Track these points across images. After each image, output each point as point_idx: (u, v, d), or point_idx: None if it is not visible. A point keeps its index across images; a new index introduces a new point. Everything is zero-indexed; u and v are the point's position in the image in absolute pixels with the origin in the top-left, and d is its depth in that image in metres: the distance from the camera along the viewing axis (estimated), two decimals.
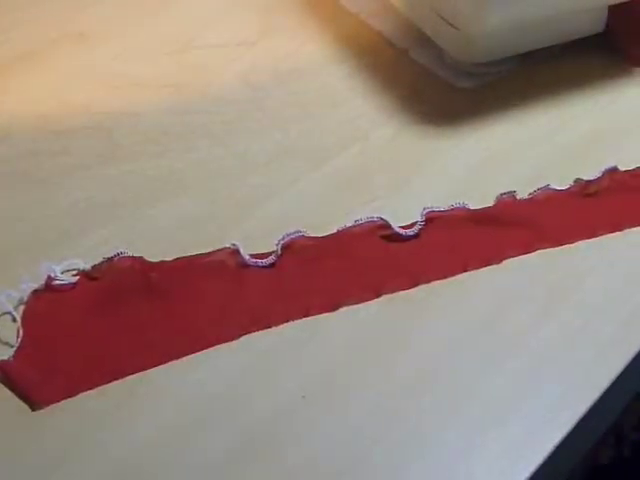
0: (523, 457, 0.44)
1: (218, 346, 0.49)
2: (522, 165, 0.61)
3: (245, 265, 0.53)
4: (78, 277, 0.52)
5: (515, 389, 0.47)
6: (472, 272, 0.53)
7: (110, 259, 0.52)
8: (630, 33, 0.68)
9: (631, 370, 0.49)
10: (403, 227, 0.55)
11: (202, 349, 0.49)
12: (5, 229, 0.56)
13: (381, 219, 0.55)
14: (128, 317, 0.50)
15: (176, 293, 0.52)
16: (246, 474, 0.44)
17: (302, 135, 0.63)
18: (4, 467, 0.44)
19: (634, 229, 0.56)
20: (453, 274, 0.53)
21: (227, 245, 0.53)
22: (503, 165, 0.61)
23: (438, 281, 0.53)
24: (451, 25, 0.64)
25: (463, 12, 0.63)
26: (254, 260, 0.53)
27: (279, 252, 0.53)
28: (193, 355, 0.49)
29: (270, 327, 0.50)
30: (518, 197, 0.57)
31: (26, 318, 0.50)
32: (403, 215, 0.56)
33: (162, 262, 0.53)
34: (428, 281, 0.53)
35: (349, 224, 0.55)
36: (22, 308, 0.51)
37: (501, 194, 0.57)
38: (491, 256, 0.54)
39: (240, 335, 0.50)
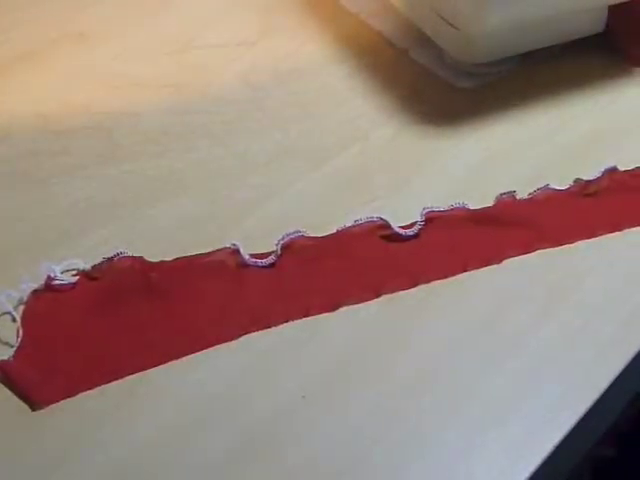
0: (523, 457, 0.44)
1: (218, 346, 0.49)
2: (522, 165, 0.61)
3: (245, 265, 0.53)
4: (78, 277, 0.52)
5: (515, 389, 0.47)
6: (472, 272, 0.53)
7: (110, 259, 0.52)
8: (630, 33, 0.68)
9: (631, 370, 0.49)
10: (403, 227, 0.55)
11: (202, 349, 0.49)
12: (5, 229, 0.56)
13: (381, 219, 0.55)
14: (128, 317, 0.51)
15: (176, 293, 0.52)
16: (246, 474, 0.44)
17: (302, 135, 0.63)
18: (4, 467, 0.44)
19: (634, 229, 0.56)
20: (453, 274, 0.53)
21: (227, 245, 0.53)
22: (503, 165, 0.61)
23: (438, 281, 0.53)
24: (451, 25, 0.64)
25: (463, 12, 0.63)
26: (254, 260, 0.53)
27: (279, 252, 0.53)
28: (193, 355, 0.49)
29: (270, 327, 0.50)
30: (518, 197, 0.57)
31: (26, 318, 0.50)
32: (403, 215, 0.56)
33: (162, 262, 0.53)
34: (428, 281, 0.53)
35: (349, 224, 0.55)
36: (22, 308, 0.51)
37: (501, 194, 0.57)
38: (491, 256, 0.54)
39: (240, 335, 0.50)
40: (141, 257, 0.53)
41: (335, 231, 0.55)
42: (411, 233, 0.55)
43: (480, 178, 0.60)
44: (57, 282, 0.52)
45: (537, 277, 0.53)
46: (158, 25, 0.74)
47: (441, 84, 0.68)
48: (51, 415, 0.46)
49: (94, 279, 0.52)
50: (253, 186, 0.59)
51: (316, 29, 0.74)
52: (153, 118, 0.65)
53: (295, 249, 0.54)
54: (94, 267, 0.53)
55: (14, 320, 0.50)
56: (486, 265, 0.54)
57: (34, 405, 0.46)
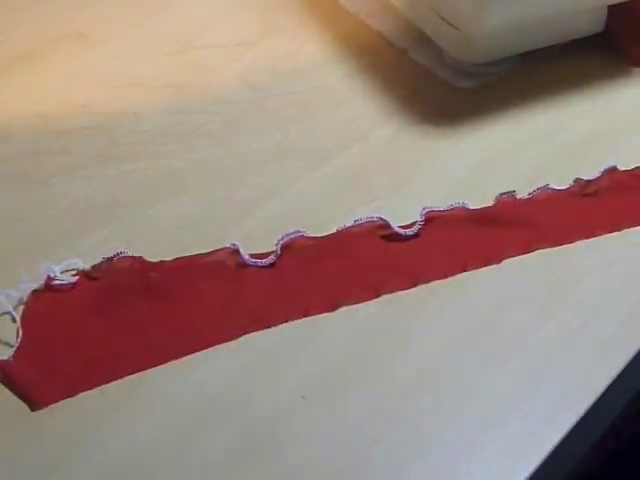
0: (523, 457, 0.44)
1: (218, 346, 0.49)
2: (522, 165, 0.61)
3: (245, 265, 0.53)
4: (78, 277, 0.52)
5: (515, 389, 0.47)
6: (471, 272, 0.53)
7: (110, 259, 0.52)
8: (629, 33, 0.69)
9: (630, 370, 0.49)
10: (403, 227, 0.55)
11: (202, 349, 0.49)
12: (5, 229, 0.56)
13: (381, 219, 0.55)
14: (128, 317, 0.51)
15: (176, 293, 0.52)
16: (246, 474, 0.44)
17: (302, 135, 0.63)
18: (4, 467, 0.44)
19: (633, 229, 0.56)
20: (452, 274, 0.53)
21: (227, 245, 0.53)
22: (503, 165, 0.61)
23: (438, 281, 0.53)
24: (451, 25, 0.64)
25: (463, 12, 0.63)
26: (254, 260, 0.53)
27: (279, 252, 0.53)
28: (193, 355, 0.49)
29: (270, 327, 0.50)
30: (518, 197, 0.57)
31: (26, 318, 0.50)
32: (403, 215, 0.56)
33: (162, 262, 0.53)
34: (428, 281, 0.53)
35: (349, 224, 0.55)
36: (22, 308, 0.51)
37: (501, 194, 0.57)
38: (490, 256, 0.54)
39: (240, 335, 0.50)
40: (141, 257, 0.53)
41: (335, 231, 0.55)
42: (411, 233, 0.55)
43: (480, 178, 0.60)
44: (57, 282, 0.52)
45: (536, 277, 0.53)
46: (158, 25, 0.74)
47: (441, 84, 0.68)
48: (51, 415, 0.46)
49: (94, 279, 0.52)
50: (253, 186, 0.59)
51: (316, 29, 0.74)
52: (153, 118, 0.65)
53: (295, 249, 0.54)
54: (94, 267, 0.53)
55: (14, 320, 0.50)
56: (486, 265, 0.54)
57: (34, 405, 0.46)
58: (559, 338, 0.50)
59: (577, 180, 0.59)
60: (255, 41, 0.72)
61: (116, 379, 0.47)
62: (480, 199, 0.57)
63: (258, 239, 0.55)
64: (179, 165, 0.61)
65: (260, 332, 0.50)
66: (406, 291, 0.52)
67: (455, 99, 0.66)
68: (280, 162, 0.61)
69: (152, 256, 0.53)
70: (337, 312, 0.51)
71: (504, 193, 0.57)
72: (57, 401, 0.46)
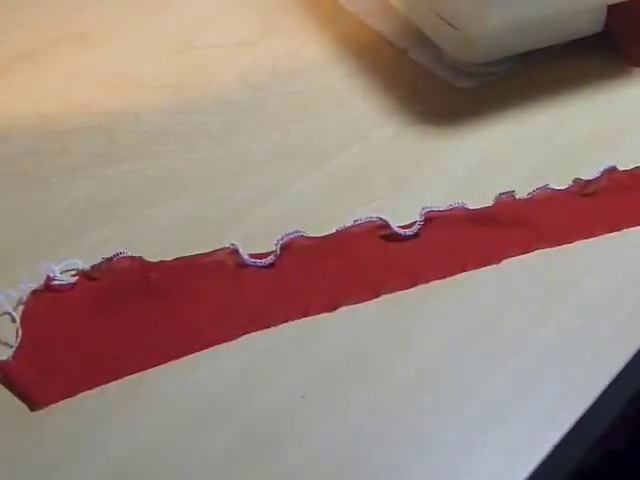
0: (523, 457, 0.44)
1: (218, 346, 0.49)
2: (521, 165, 0.61)
3: (244, 265, 0.53)
4: (77, 277, 0.52)
5: (515, 389, 0.47)
6: (471, 272, 0.53)
7: (109, 259, 0.52)
8: (629, 33, 0.69)
9: (630, 370, 0.49)
10: (402, 227, 0.55)
11: (202, 349, 0.49)
12: (5, 229, 0.56)
13: (380, 219, 0.55)
14: (127, 317, 0.51)
15: (175, 293, 0.52)
16: (246, 474, 0.44)
17: (302, 135, 0.63)
18: (4, 467, 0.44)
19: (632, 229, 0.56)
20: (452, 274, 0.53)
21: (227, 245, 0.53)
22: (502, 165, 0.61)
23: (437, 281, 0.53)
24: (451, 25, 0.64)
25: (463, 12, 0.63)
26: (253, 260, 0.53)
27: (278, 252, 0.53)
28: (193, 355, 0.49)
29: (269, 327, 0.50)
30: (517, 197, 0.57)
31: (25, 318, 0.50)
32: (403, 215, 0.56)
33: (161, 262, 0.53)
34: (427, 281, 0.53)
35: (348, 224, 0.55)
36: (21, 308, 0.51)
37: (500, 194, 0.57)
38: (490, 256, 0.54)
39: (240, 335, 0.50)
40: (141, 257, 0.53)
41: (335, 231, 0.55)
42: (410, 233, 0.55)
43: (480, 178, 0.60)
44: (56, 282, 0.52)
45: (536, 277, 0.53)
46: (158, 25, 0.74)
47: (441, 84, 0.68)
48: (51, 415, 0.46)
49: (93, 279, 0.52)
50: (253, 186, 0.59)
51: (316, 29, 0.74)
52: (153, 118, 0.65)
53: (295, 249, 0.54)
54: (93, 267, 0.53)
55: (13, 320, 0.50)
56: (485, 265, 0.54)
57: (34, 405, 0.46)
58: (559, 338, 0.50)
59: (577, 180, 0.59)
60: (255, 41, 0.72)
61: (116, 379, 0.47)
62: (480, 199, 0.57)
63: (258, 239, 0.55)
64: (179, 165, 0.61)
65: (260, 332, 0.50)
66: (406, 291, 0.52)
67: (455, 99, 0.66)
68: (280, 162, 0.61)
69: (152, 256, 0.53)
70: (337, 312, 0.51)
71: (504, 193, 0.57)
72: (57, 401, 0.47)
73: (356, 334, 0.50)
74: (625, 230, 0.56)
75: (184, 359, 0.49)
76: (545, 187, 0.58)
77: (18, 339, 0.49)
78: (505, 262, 0.54)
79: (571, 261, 0.54)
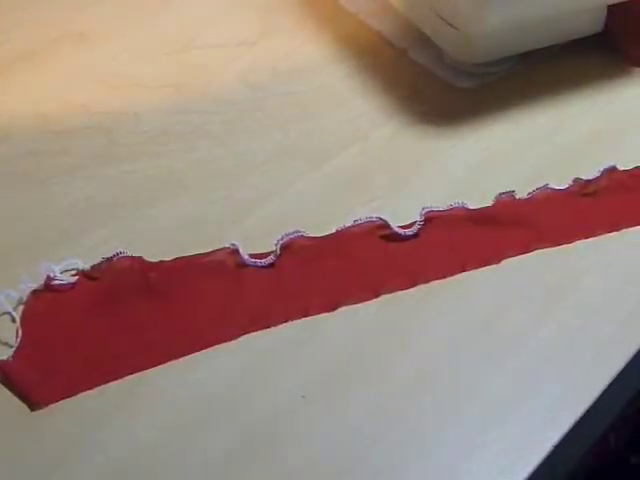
0: (522, 457, 0.44)
1: (218, 346, 0.49)
2: (521, 165, 0.61)
3: (244, 265, 0.53)
4: (77, 277, 0.52)
5: (515, 389, 0.47)
6: (471, 272, 0.53)
7: (109, 259, 0.52)
8: (629, 33, 0.69)
9: (630, 370, 0.49)
10: (402, 227, 0.55)
11: (202, 349, 0.49)
12: (5, 229, 0.56)
13: (380, 219, 0.55)
14: (127, 317, 0.51)
15: (175, 293, 0.52)
16: (246, 474, 0.44)
17: (302, 135, 0.63)
18: (4, 467, 0.44)
19: (632, 229, 0.56)
20: (452, 274, 0.53)
21: (227, 245, 0.53)
22: (502, 165, 0.61)
23: (437, 281, 0.53)
24: (451, 25, 0.64)
25: (463, 12, 0.63)
26: (253, 260, 0.53)
27: (278, 252, 0.53)
28: (193, 355, 0.49)
29: (269, 327, 0.50)
30: (517, 197, 0.57)
31: (25, 318, 0.50)
32: (402, 215, 0.56)
33: (161, 262, 0.53)
34: (427, 281, 0.53)
35: (348, 224, 0.55)
36: (21, 308, 0.51)
37: (500, 194, 0.57)
38: (490, 256, 0.54)
39: (240, 335, 0.50)
40: (140, 257, 0.53)
41: (335, 231, 0.55)
42: (410, 233, 0.55)
43: (480, 178, 0.60)
44: (56, 282, 0.52)
45: (536, 277, 0.53)
46: (158, 25, 0.74)
47: (441, 84, 0.68)
48: (51, 415, 0.46)
49: (93, 279, 0.52)
50: (253, 186, 0.59)
51: (315, 29, 0.74)
52: (153, 118, 0.65)
53: (294, 249, 0.54)
54: (93, 267, 0.53)
55: (14, 320, 0.50)
56: (485, 265, 0.54)
57: (34, 405, 0.46)
58: (559, 338, 0.50)
59: (577, 180, 0.59)
60: (255, 41, 0.72)
61: (116, 379, 0.47)
62: (480, 199, 0.57)
63: (258, 239, 0.55)
64: (179, 165, 0.61)
65: (260, 332, 0.50)
66: (406, 291, 0.52)
67: (455, 99, 0.66)
68: (280, 162, 0.61)
69: (152, 256, 0.53)
70: (337, 312, 0.51)
71: (504, 193, 0.57)
72: (57, 401, 0.47)
73: (356, 334, 0.50)
74: (625, 230, 0.56)
75: (184, 359, 0.49)
76: (545, 187, 0.58)
77: (18, 339, 0.49)
78: (505, 262, 0.54)
79: (571, 261, 0.54)
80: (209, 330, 0.50)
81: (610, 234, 0.56)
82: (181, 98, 0.67)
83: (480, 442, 0.45)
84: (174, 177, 0.60)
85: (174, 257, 0.53)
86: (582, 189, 0.58)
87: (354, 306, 0.51)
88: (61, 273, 0.52)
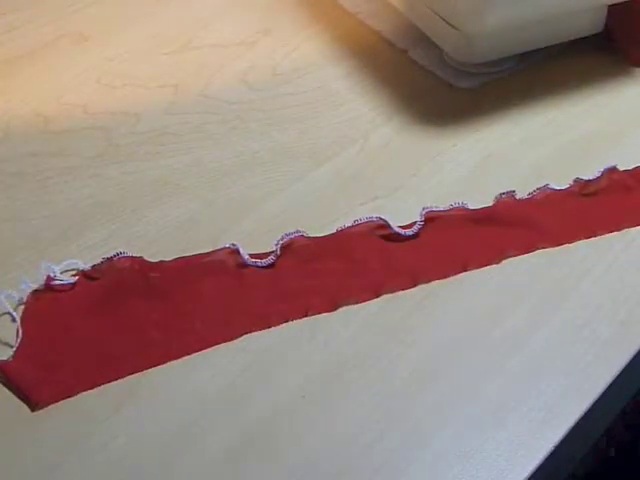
0: (523, 457, 0.44)
1: (218, 346, 0.49)
2: (522, 165, 0.61)
3: (245, 265, 0.53)
4: (78, 277, 0.52)
5: (515, 389, 0.47)
6: (471, 272, 0.53)
7: (110, 259, 0.52)
8: (630, 33, 0.69)
9: (630, 370, 0.49)
10: (402, 227, 0.55)
11: (202, 349, 0.49)
12: (5, 229, 0.56)
13: (380, 219, 0.55)
14: (128, 317, 0.51)
15: (176, 293, 0.52)
16: (246, 474, 0.44)
17: (302, 135, 0.63)
18: (4, 467, 0.44)
19: (633, 229, 0.56)
20: (452, 274, 0.53)
21: (227, 245, 0.53)
22: (503, 165, 0.61)
23: (437, 281, 0.53)
24: (451, 25, 0.64)
25: (463, 12, 0.63)
26: (253, 260, 0.53)
27: (278, 252, 0.53)
28: (193, 355, 0.49)
29: (270, 327, 0.50)
30: (517, 197, 0.57)
31: (25, 318, 0.50)
32: (403, 215, 0.56)
33: (162, 262, 0.53)
34: (427, 281, 0.53)
35: (349, 224, 0.55)
36: (22, 308, 0.51)
37: (500, 194, 0.57)
38: (490, 256, 0.54)
39: (240, 335, 0.50)
40: (141, 257, 0.53)
41: (335, 231, 0.55)
42: (411, 233, 0.55)
43: (480, 178, 0.60)
44: (57, 282, 0.52)
45: (537, 277, 0.53)
46: (157, 25, 0.74)
47: (441, 84, 0.68)
48: (51, 415, 0.46)
49: (94, 279, 0.52)
50: (253, 186, 0.59)
51: (315, 29, 0.74)
52: (152, 118, 0.65)
53: (295, 249, 0.54)
54: (94, 267, 0.53)
55: (14, 320, 0.50)
56: (486, 265, 0.54)
57: (34, 405, 0.46)
58: (559, 338, 0.50)
59: (577, 180, 0.59)
60: (255, 41, 0.73)
61: (116, 379, 0.47)
62: (480, 199, 0.57)
63: (258, 239, 0.55)
64: (179, 165, 0.61)
65: (260, 332, 0.50)
66: (406, 291, 0.52)
67: (455, 99, 0.66)
68: (280, 162, 0.61)
69: (152, 256, 0.53)
70: (337, 312, 0.51)
71: (504, 193, 0.57)
72: (57, 401, 0.47)
73: (356, 334, 0.50)
74: (625, 230, 0.56)
75: (184, 359, 0.49)
76: (545, 187, 0.58)
77: (18, 339, 0.49)
78: (505, 262, 0.54)
79: (571, 261, 0.54)
80: (209, 330, 0.50)
81: (610, 234, 0.56)
82: (180, 98, 0.67)
83: (480, 442, 0.45)
84: (174, 177, 0.60)
85: (174, 257, 0.53)
86: (582, 189, 0.58)
87: (354, 306, 0.51)
88: (61, 273, 0.52)
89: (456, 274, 0.53)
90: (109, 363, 0.48)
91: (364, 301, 0.52)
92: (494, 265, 0.54)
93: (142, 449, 0.44)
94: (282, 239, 0.53)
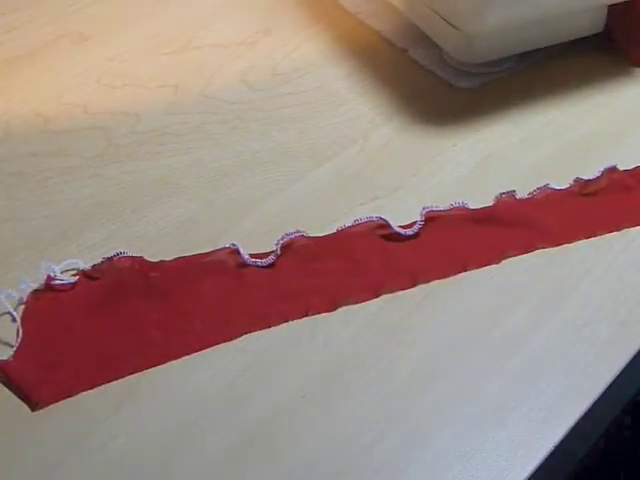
0: (523, 457, 0.44)
1: (218, 346, 0.49)
2: (522, 165, 0.61)
3: (245, 265, 0.53)
4: (78, 277, 0.52)
5: (515, 389, 0.47)
6: (471, 272, 0.53)
7: (110, 259, 0.53)
8: (630, 33, 0.69)
9: (630, 370, 0.49)
10: (403, 227, 0.55)
11: (202, 349, 0.49)
12: (5, 229, 0.56)
13: (380, 219, 0.55)
14: (128, 317, 0.51)
15: (176, 293, 0.52)
16: (246, 474, 0.44)
17: (302, 135, 0.63)
18: (4, 467, 0.44)
19: (633, 229, 0.56)
20: (452, 274, 0.53)
21: (227, 245, 0.53)
22: (503, 165, 0.61)
23: (437, 281, 0.53)
24: (451, 25, 0.64)
25: (463, 12, 0.63)
26: (253, 260, 0.53)
27: (278, 252, 0.53)
28: (193, 355, 0.49)
29: (270, 327, 0.50)
30: (518, 197, 0.57)
31: (26, 318, 0.50)
32: (403, 215, 0.56)
33: (162, 262, 0.53)
34: (427, 281, 0.53)
35: (349, 224, 0.55)
36: (22, 308, 0.51)
37: (501, 194, 0.57)
38: (490, 256, 0.54)
39: (240, 335, 0.50)
40: (141, 257, 0.53)
41: (335, 231, 0.55)
42: (411, 233, 0.55)
43: (480, 178, 0.60)
44: (57, 282, 0.52)
45: (536, 277, 0.53)
46: (157, 25, 0.74)
47: (441, 84, 0.68)
48: (51, 415, 0.46)
49: (94, 279, 0.52)
50: (253, 186, 0.59)
51: (315, 29, 0.74)
52: (152, 118, 0.65)
53: (295, 249, 0.54)
54: (94, 267, 0.53)
55: (14, 320, 0.50)
56: (486, 265, 0.54)
57: (34, 405, 0.46)
58: (559, 338, 0.50)
59: (577, 180, 0.59)
60: (255, 41, 0.73)
61: (116, 379, 0.47)
62: (480, 199, 0.57)
63: (258, 239, 0.55)
64: (179, 165, 0.61)
65: (260, 332, 0.50)
66: (406, 291, 0.52)
67: (455, 99, 0.66)
68: (280, 162, 0.61)
69: (152, 256, 0.53)
70: (337, 312, 0.51)
71: (504, 193, 0.57)
72: (57, 401, 0.47)
73: (356, 334, 0.50)
74: (625, 230, 0.56)
75: (184, 359, 0.49)
76: (545, 187, 0.58)
77: (18, 339, 0.49)
78: (505, 262, 0.54)
79: (571, 261, 0.54)
80: (209, 330, 0.50)
81: (610, 234, 0.56)
82: (181, 98, 0.67)
83: (480, 442, 0.45)
84: (174, 177, 0.60)
85: (174, 257, 0.53)
86: (582, 189, 0.58)
87: (354, 306, 0.51)
88: (61, 273, 0.52)
89: (456, 274, 0.53)
90: (109, 363, 0.48)
91: (364, 301, 0.52)
92: (494, 265, 0.54)
93: (142, 449, 0.44)
94: (282, 239, 0.53)
